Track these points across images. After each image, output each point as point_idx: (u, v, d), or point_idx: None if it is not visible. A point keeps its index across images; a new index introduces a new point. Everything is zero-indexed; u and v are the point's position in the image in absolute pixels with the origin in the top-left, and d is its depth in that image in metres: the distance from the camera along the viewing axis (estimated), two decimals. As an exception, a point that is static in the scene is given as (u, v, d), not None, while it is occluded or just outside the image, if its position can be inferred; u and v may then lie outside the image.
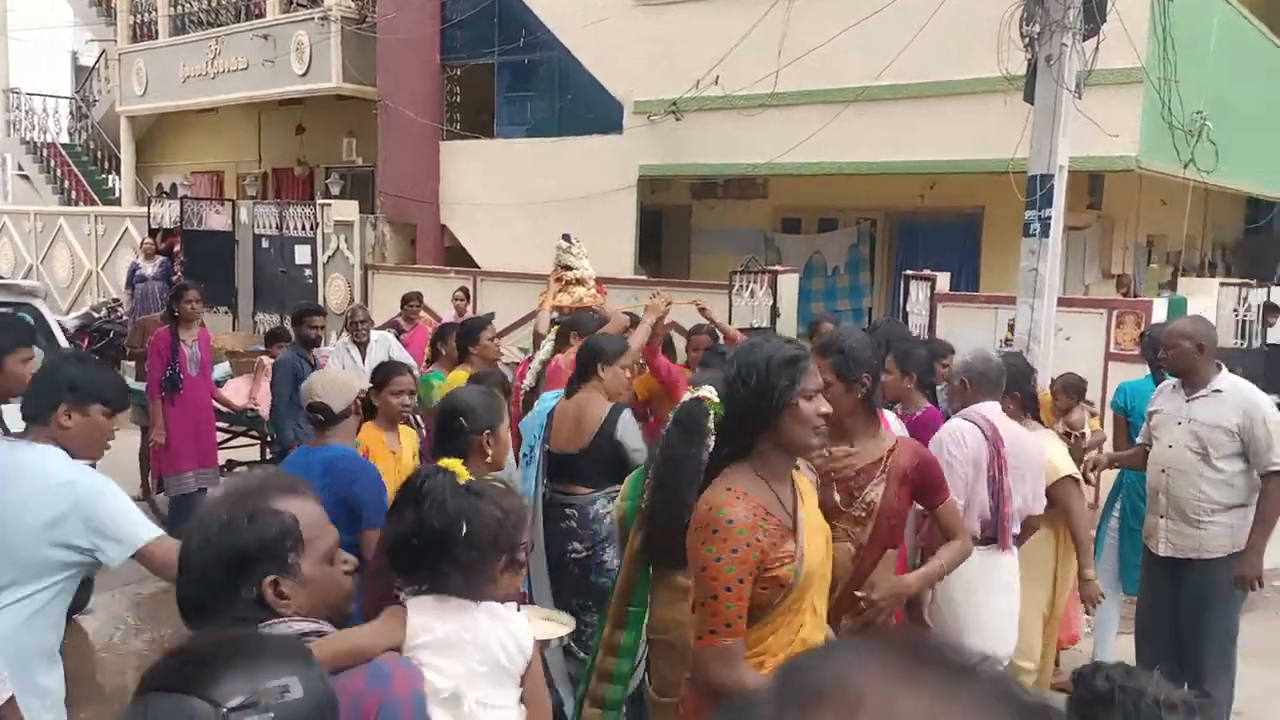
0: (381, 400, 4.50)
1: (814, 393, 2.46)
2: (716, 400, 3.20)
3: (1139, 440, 5.04)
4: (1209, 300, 9.72)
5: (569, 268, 6.23)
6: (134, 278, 13.75)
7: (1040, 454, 4.28)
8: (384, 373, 4.64)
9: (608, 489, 4.23)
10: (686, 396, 3.37)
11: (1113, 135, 8.19)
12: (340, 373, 4.64)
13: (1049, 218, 6.98)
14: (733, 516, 2.38)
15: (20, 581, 2.68)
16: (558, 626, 3.09)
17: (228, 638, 1.33)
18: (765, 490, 2.47)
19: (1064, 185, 7.01)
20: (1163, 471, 4.62)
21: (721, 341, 5.76)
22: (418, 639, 2.06)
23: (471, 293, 12.33)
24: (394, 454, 4.47)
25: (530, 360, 6.02)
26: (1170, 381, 4.78)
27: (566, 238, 6.36)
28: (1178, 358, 4.54)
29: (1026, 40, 6.85)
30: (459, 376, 5.87)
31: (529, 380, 5.25)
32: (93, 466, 2.92)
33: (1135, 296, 11.69)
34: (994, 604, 3.98)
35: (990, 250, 11.10)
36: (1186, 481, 4.51)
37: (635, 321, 5.92)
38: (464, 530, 2.10)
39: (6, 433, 3.56)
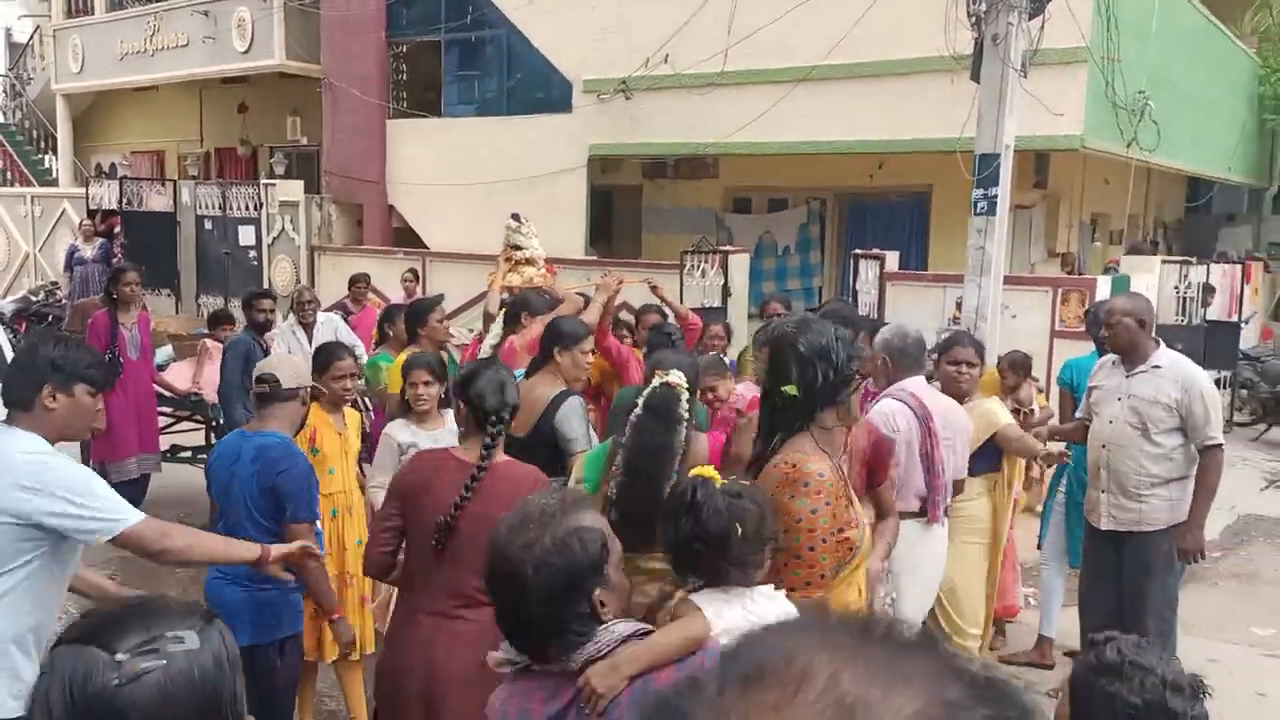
0: (324, 384, 4.45)
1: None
2: (685, 385, 3.23)
3: (1079, 415, 5.11)
4: (1151, 278, 9.86)
5: (518, 247, 6.16)
6: (72, 260, 13.41)
7: (966, 420, 4.41)
8: (324, 356, 4.60)
9: (555, 476, 4.16)
10: (656, 381, 3.30)
11: (1058, 114, 8.27)
12: (297, 359, 4.57)
13: (995, 196, 7.04)
14: (822, 470, 2.50)
15: None
16: None
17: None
18: (830, 458, 2.58)
19: (1010, 164, 7.07)
20: (1103, 446, 4.68)
21: (670, 320, 5.73)
22: (715, 629, 2.22)
23: (420, 274, 12.20)
24: (340, 435, 4.47)
25: (479, 342, 5.96)
26: (1110, 357, 4.84)
27: (516, 217, 6.28)
28: (1117, 334, 4.61)
29: (973, 19, 6.89)
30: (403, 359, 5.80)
31: (480, 367, 5.19)
32: None
33: (1080, 274, 11.87)
34: (927, 574, 4.13)
35: (938, 229, 11.19)
36: (1126, 456, 4.58)
37: (587, 302, 5.88)
38: (739, 532, 2.31)
39: None
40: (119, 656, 1.22)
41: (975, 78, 7.04)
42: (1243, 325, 11.74)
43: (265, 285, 13.59)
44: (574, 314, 5.03)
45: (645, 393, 3.31)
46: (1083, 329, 8.46)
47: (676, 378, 3.28)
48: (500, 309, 5.84)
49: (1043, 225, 11.98)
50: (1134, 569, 4.72)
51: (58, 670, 1.25)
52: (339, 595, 4.10)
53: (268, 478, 3.50)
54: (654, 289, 5.93)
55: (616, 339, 5.60)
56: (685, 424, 3.29)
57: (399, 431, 4.52)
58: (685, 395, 3.29)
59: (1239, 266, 11.89)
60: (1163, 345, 4.71)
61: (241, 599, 3.51)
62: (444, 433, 4.49)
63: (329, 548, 4.30)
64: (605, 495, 3.31)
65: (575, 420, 4.11)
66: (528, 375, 4.40)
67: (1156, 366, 4.62)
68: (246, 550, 3.06)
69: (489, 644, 2.49)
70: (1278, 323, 14.28)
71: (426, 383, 4.54)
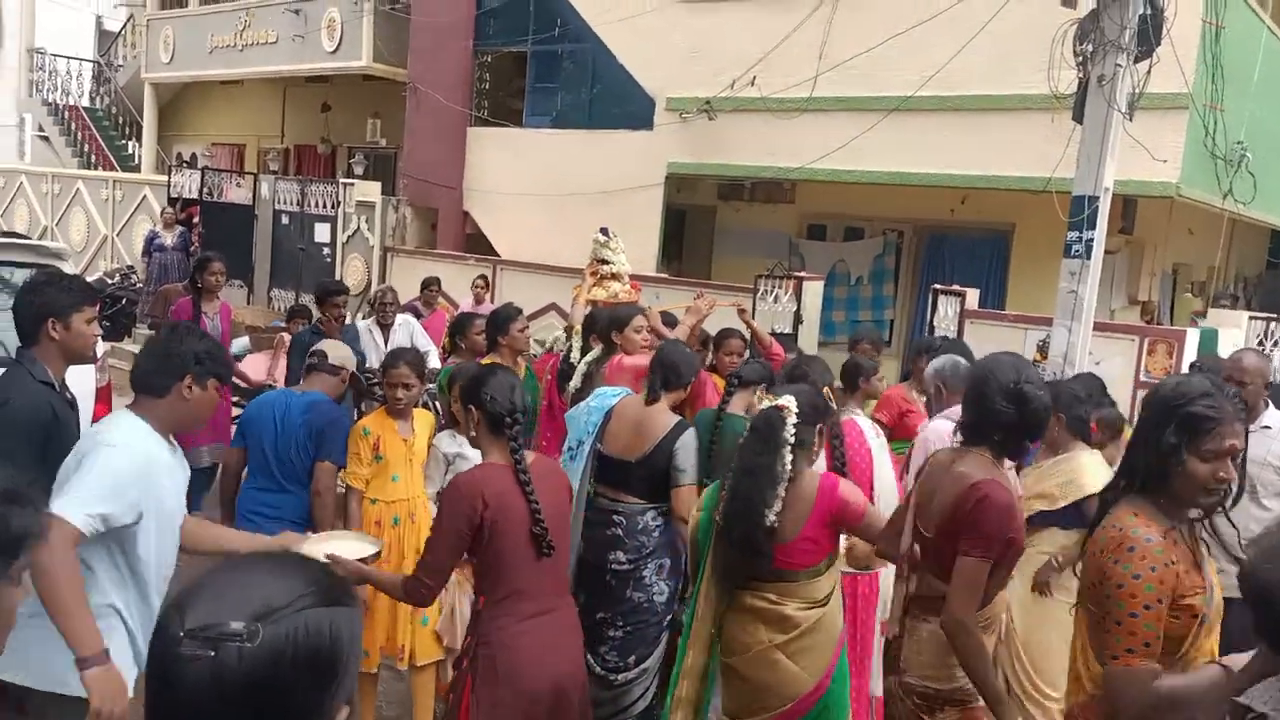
0: (386, 390, 4.48)
1: (1214, 454, 2.43)
2: (795, 410, 3.17)
3: None
4: (1238, 332, 9.59)
5: (605, 262, 6.11)
6: (151, 246, 13.66)
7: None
8: (386, 361, 4.61)
9: (659, 503, 4.13)
10: (765, 404, 3.30)
11: (1161, 160, 8.07)
12: (343, 345, 4.70)
13: (1091, 240, 6.88)
14: (1150, 535, 2.40)
15: None
16: (366, 546, 3.25)
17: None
18: (1166, 521, 2.47)
19: (1108, 207, 6.92)
20: None
21: (754, 349, 5.68)
22: None
23: (491, 281, 12.24)
24: (406, 441, 4.43)
25: (555, 356, 5.92)
26: None
27: (605, 231, 6.24)
28: (1248, 393, 4.44)
29: (1079, 59, 6.75)
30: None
31: (575, 381, 5.14)
32: None
33: (1159, 324, 11.58)
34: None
35: (1018, 269, 10.98)
36: (1231, 519, 4.41)
37: (673, 322, 5.83)
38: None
39: (72, 403, 3.47)
40: (181, 634, 1.19)
41: (1078, 118, 6.89)
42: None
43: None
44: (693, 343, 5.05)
45: (755, 415, 3.33)
46: (1168, 381, 8.27)
47: (787, 401, 3.25)
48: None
49: (1125, 272, 11.71)
50: (1234, 638, 4.52)
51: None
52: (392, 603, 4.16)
53: (319, 422, 4.21)
54: (741, 313, 5.85)
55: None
56: (791, 449, 3.22)
57: (445, 443, 4.50)
58: (793, 420, 3.22)
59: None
60: (1272, 406, 4.55)
61: None
62: None
63: (388, 555, 4.25)
64: (716, 524, 3.28)
65: (691, 452, 4.09)
66: (647, 399, 4.32)
67: (1267, 427, 4.47)
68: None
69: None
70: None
71: None
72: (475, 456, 4.36)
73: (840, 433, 4.06)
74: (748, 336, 6.17)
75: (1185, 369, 8.17)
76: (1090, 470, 4.40)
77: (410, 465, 4.43)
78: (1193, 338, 8.29)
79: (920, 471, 3.31)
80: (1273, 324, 10.67)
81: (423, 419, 4.64)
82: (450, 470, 4.41)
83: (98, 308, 3.54)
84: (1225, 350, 8.83)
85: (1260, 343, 10.25)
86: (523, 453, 3.13)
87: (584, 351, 5.20)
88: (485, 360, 5.82)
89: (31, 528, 1.59)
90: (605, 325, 5.31)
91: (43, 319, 3.32)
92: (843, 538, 3.46)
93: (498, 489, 3.07)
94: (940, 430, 4.41)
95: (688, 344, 5.10)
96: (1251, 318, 10.28)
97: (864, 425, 4.43)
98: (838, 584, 3.43)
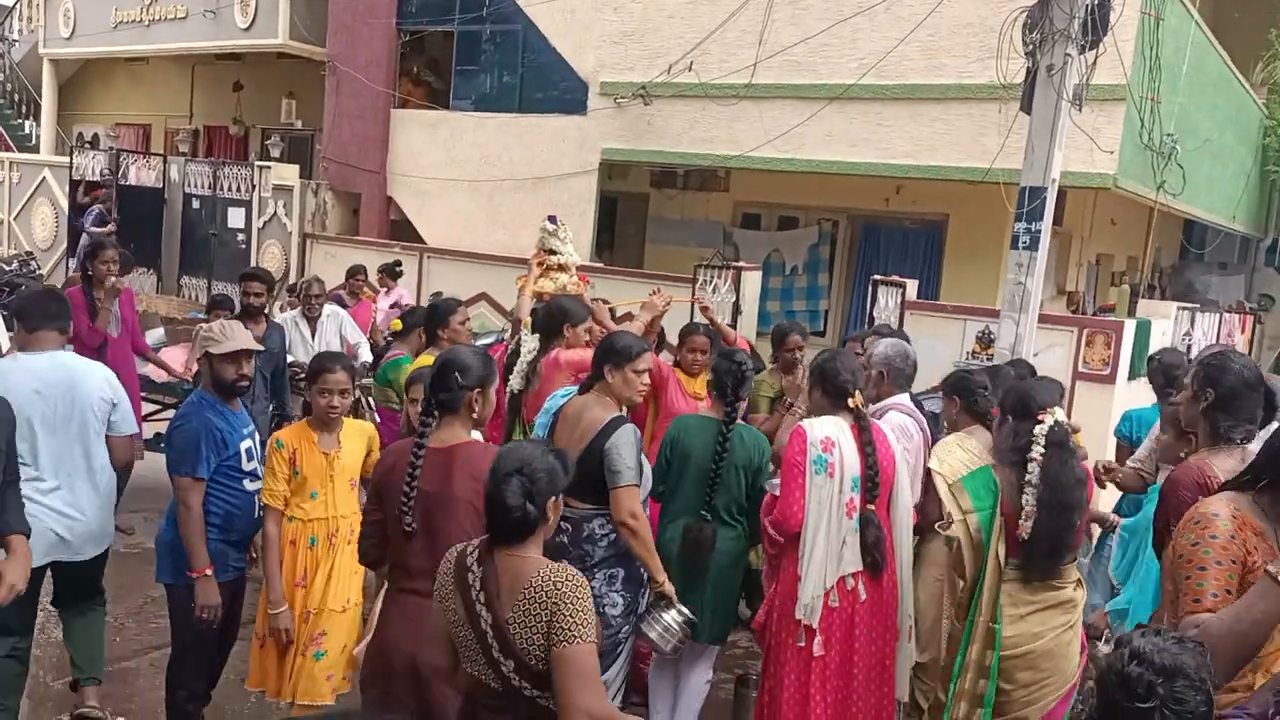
0: (311, 396, 4.09)
1: None
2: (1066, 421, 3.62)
3: (1131, 463, 4.92)
4: (1167, 323, 9.74)
5: (553, 252, 5.83)
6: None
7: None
8: (314, 366, 4.13)
9: (604, 507, 3.87)
10: (1050, 420, 3.54)
11: (1108, 152, 8.08)
12: (238, 326, 4.10)
13: (1039, 231, 6.84)
14: (1218, 511, 2.54)
15: None
16: None
17: None
18: (1261, 517, 2.56)
19: (1054, 198, 6.88)
20: None
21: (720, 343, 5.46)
22: None
23: (418, 270, 11.85)
24: (327, 455, 4.02)
25: (505, 346, 5.64)
26: None
27: (552, 219, 5.95)
28: None
29: (1029, 48, 6.68)
30: (425, 361, 5.48)
31: (515, 381, 4.84)
32: None
33: (1083, 314, 11.72)
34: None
35: (952, 259, 10.99)
36: None
37: (623, 319, 5.59)
38: None
39: None
40: None
41: (1026, 109, 6.83)
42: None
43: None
44: (643, 332, 4.75)
45: (1047, 431, 3.53)
46: (1106, 372, 8.30)
47: (1062, 415, 3.61)
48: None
49: (1054, 263, 11.81)
50: None
51: None
52: (296, 632, 3.94)
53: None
54: (704, 310, 5.65)
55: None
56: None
57: None
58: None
59: (1251, 316, 11.79)
60: None
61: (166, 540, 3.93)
62: None
63: (302, 578, 3.97)
64: (1016, 538, 3.52)
65: (626, 450, 3.79)
66: (580, 390, 4.10)
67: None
68: None
69: None
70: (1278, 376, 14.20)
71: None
72: None
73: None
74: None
75: (1124, 360, 8.24)
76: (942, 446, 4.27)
77: (332, 482, 4.02)
78: (1130, 329, 8.34)
79: None
80: (1197, 314, 10.90)
81: (354, 430, 4.19)
82: None
83: None
84: (1156, 341, 8.94)
85: (1187, 333, 10.46)
86: (424, 433, 3.16)
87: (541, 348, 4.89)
88: (424, 354, 5.53)
89: None
90: (552, 319, 5.03)
91: None
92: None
93: (391, 462, 3.25)
94: (902, 424, 4.34)
95: (645, 339, 4.87)
96: (1180, 308, 10.47)
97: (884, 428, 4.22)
98: None
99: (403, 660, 3.11)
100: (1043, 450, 3.53)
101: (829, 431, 3.83)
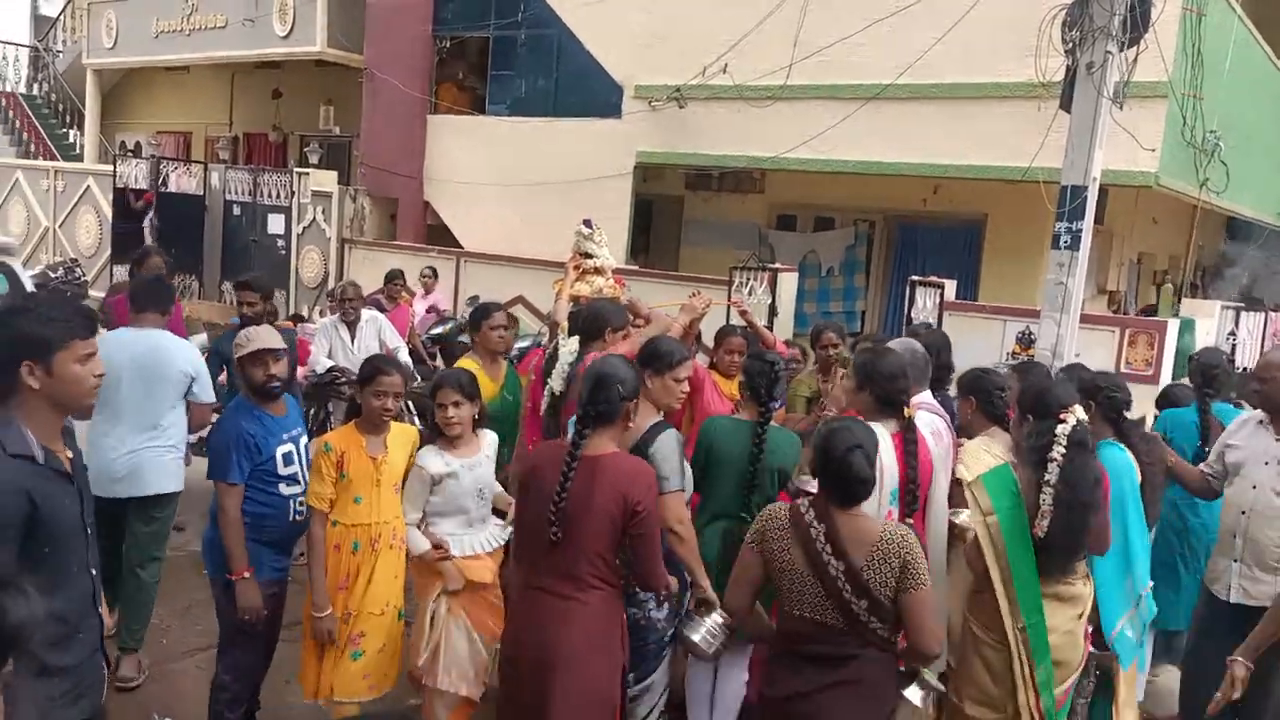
0: (364, 399, 4.04)
1: None
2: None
3: (1202, 468, 4.77)
4: (1211, 322, 9.58)
5: (589, 255, 5.84)
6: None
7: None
8: (369, 369, 4.10)
9: None
10: (1071, 421, 3.54)
11: (1149, 150, 7.98)
12: (266, 329, 4.15)
13: (1079, 230, 6.75)
14: None
15: None
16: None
17: None
18: None
19: (1095, 197, 6.80)
20: (1242, 513, 4.30)
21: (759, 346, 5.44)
22: None
23: (455, 274, 11.93)
24: (374, 460, 4.01)
25: (541, 351, 5.65)
26: (1254, 415, 4.47)
27: (588, 223, 5.96)
28: (1273, 391, 4.22)
29: (1068, 45, 6.60)
30: (465, 365, 5.50)
31: (557, 383, 4.80)
32: None
33: (1124, 314, 11.57)
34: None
35: (990, 259, 10.89)
36: (1269, 526, 4.21)
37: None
38: None
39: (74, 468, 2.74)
40: None
41: (1065, 107, 6.74)
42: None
43: (292, 275, 13.36)
44: (661, 334, 4.72)
45: (1069, 431, 3.54)
46: (1149, 372, 8.19)
47: (1083, 414, 3.63)
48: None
49: (1095, 262, 11.65)
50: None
51: None
52: (340, 634, 3.96)
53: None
54: (743, 313, 5.64)
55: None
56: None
57: (431, 461, 4.04)
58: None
59: (1294, 315, 11.56)
60: None
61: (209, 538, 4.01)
62: (481, 457, 4.14)
63: (345, 581, 3.96)
64: (1035, 535, 3.53)
65: (670, 456, 3.78)
66: None
67: None
68: None
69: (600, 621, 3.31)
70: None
71: (456, 403, 4.06)
72: (469, 476, 4.06)
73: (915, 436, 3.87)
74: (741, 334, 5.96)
75: (1169, 359, 8.12)
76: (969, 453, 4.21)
77: (377, 487, 4.00)
78: (1173, 329, 8.22)
79: None
80: (1242, 313, 10.71)
81: (400, 435, 4.18)
82: (437, 492, 4.05)
83: (95, 339, 2.66)
84: (1201, 340, 8.80)
85: (1232, 333, 10.28)
86: (579, 444, 3.29)
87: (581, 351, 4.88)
88: (465, 358, 5.55)
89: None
90: (592, 322, 5.03)
91: (16, 362, 2.50)
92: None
93: (537, 462, 3.42)
94: (931, 423, 4.22)
95: (683, 342, 4.86)
96: (1224, 307, 10.29)
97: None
98: None
99: (529, 651, 3.29)
100: (1064, 450, 3.51)
101: None
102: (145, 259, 7.03)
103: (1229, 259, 17.42)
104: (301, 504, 4.05)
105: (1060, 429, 3.53)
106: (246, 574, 3.86)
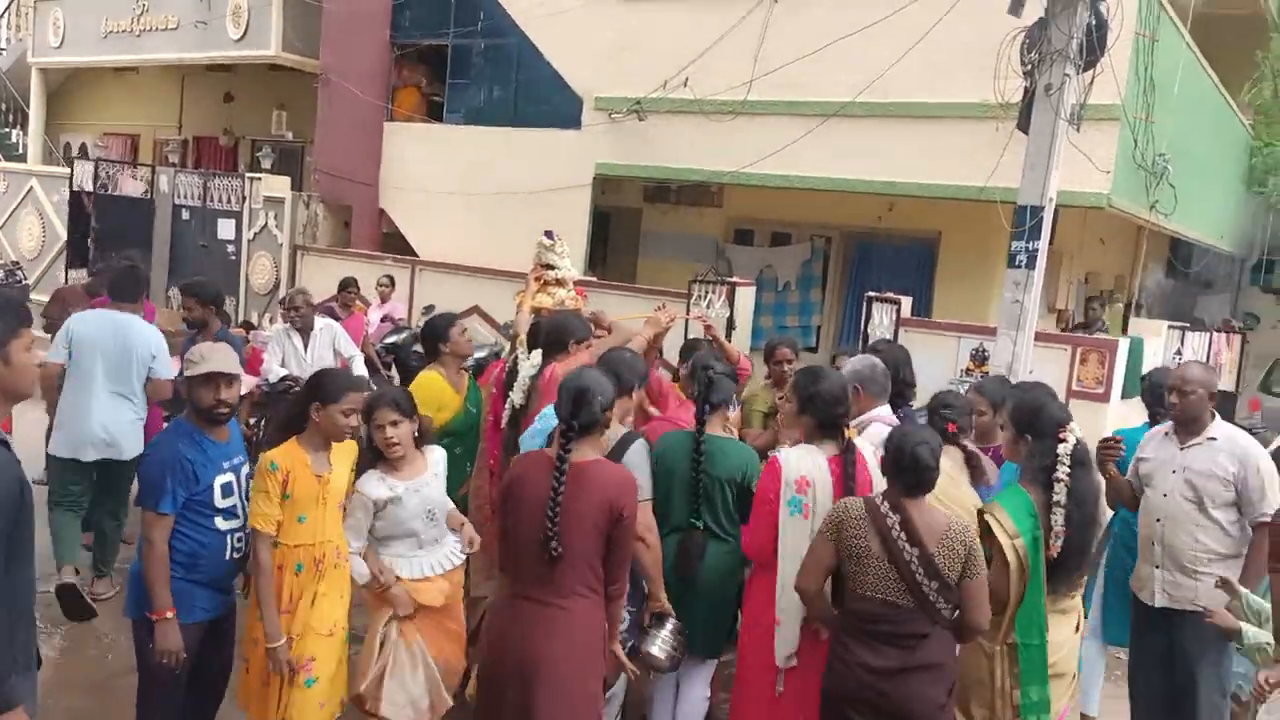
0: (325, 415, 3.80)
1: None
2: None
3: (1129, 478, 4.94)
4: (1159, 341, 9.77)
5: (551, 266, 5.81)
6: None
7: None
8: (338, 384, 3.89)
9: None
10: (1071, 440, 3.68)
11: (1104, 171, 8.12)
12: (223, 348, 3.90)
13: (1035, 250, 6.86)
14: None
15: None
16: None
17: None
18: None
19: (1051, 217, 6.90)
20: (1157, 520, 4.57)
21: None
22: None
23: (410, 282, 11.80)
24: (320, 478, 3.84)
25: (503, 363, 5.60)
26: (1161, 428, 4.78)
27: (549, 234, 5.94)
28: (1190, 404, 4.50)
29: (1027, 67, 6.70)
30: (431, 377, 5.45)
31: (518, 397, 4.76)
32: None
33: (1071, 332, 11.74)
34: None
35: (944, 277, 11.01)
36: (1181, 530, 4.48)
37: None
38: None
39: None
40: None
41: (1023, 128, 6.85)
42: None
43: (242, 282, 13.14)
44: (622, 344, 4.71)
45: (1071, 450, 3.68)
46: (1100, 390, 8.32)
47: (1080, 431, 3.79)
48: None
49: (1044, 281, 11.83)
50: (1186, 650, 4.52)
51: None
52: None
53: None
54: (707, 327, 5.64)
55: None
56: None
57: (373, 487, 3.91)
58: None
59: (1239, 336, 11.82)
60: (1218, 418, 4.57)
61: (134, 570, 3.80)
62: (429, 476, 4.03)
63: (291, 605, 3.77)
64: (1051, 556, 3.65)
65: (641, 465, 3.80)
66: None
67: (1212, 439, 4.51)
68: None
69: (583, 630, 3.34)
70: (1265, 394, 14.30)
71: (394, 422, 3.92)
72: (414, 499, 3.94)
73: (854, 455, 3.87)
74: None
75: (1119, 378, 8.25)
76: None
77: (322, 505, 3.82)
78: (1123, 348, 8.36)
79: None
80: (1186, 333, 10.93)
81: (341, 450, 3.99)
82: (381, 517, 3.92)
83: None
84: (1149, 360, 8.96)
85: (1177, 352, 10.49)
86: (565, 456, 3.33)
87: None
88: (428, 370, 5.49)
89: None
90: (555, 335, 4.99)
91: None
92: None
93: (519, 473, 3.48)
94: (878, 436, 4.26)
95: (645, 356, 4.85)
96: (1170, 327, 10.50)
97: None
98: None
99: (512, 660, 3.33)
100: (1068, 470, 3.62)
101: (805, 470, 3.75)
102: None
103: (1173, 280, 17.85)
104: (240, 540, 3.81)
105: (1062, 448, 3.58)
106: (169, 614, 3.58)
